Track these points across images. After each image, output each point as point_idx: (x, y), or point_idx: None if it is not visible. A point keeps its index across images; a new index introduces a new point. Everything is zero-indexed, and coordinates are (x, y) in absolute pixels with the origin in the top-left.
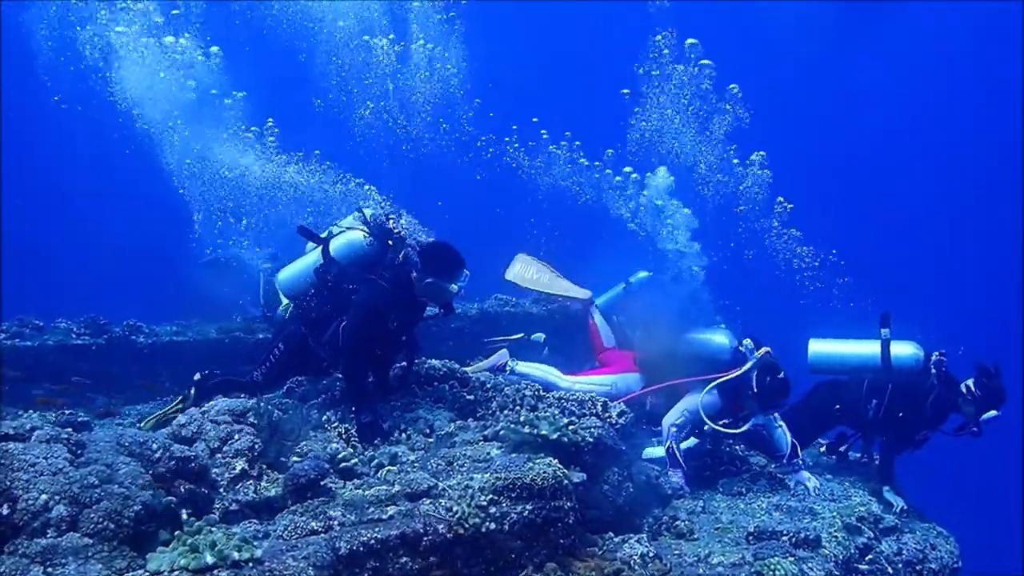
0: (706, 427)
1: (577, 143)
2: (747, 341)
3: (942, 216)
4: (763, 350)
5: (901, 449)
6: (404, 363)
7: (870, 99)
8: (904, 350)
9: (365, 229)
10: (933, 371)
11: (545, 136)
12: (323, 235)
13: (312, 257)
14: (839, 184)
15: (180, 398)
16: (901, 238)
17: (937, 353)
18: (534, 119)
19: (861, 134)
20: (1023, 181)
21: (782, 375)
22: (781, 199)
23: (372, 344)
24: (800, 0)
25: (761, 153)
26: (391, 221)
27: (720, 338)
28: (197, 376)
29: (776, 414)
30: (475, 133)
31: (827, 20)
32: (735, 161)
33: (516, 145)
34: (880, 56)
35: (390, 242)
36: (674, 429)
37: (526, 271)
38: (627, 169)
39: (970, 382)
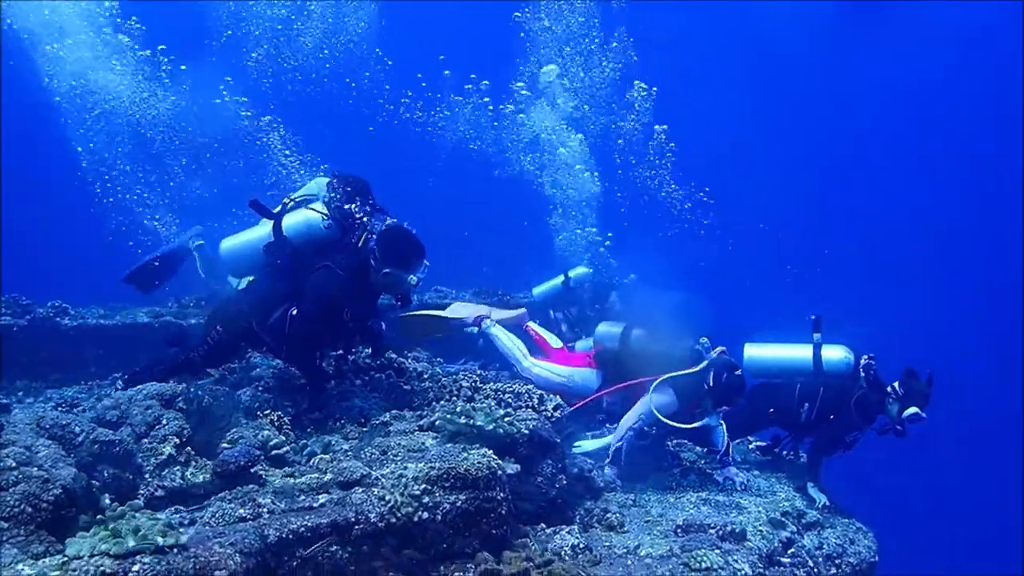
0: (653, 429)
1: (485, 83)
2: (703, 339)
3: (941, 216)
4: (719, 349)
5: (832, 451)
6: (371, 350)
7: (869, 99)
8: (835, 354)
9: (324, 211)
10: (862, 374)
11: (447, 73)
12: (276, 209)
13: (261, 231)
14: (838, 184)
15: None
16: (900, 238)
17: (866, 356)
18: (441, 58)
19: (860, 134)
20: (1023, 181)
21: (739, 373)
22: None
23: (323, 335)
24: (800, 0)
25: (642, 85)
26: (354, 205)
27: None
28: (119, 385)
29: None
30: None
31: (827, 20)
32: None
33: (410, 96)
34: (879, 56)
35: (350, 225)
36: (631, 433)
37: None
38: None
39: (896, 384)
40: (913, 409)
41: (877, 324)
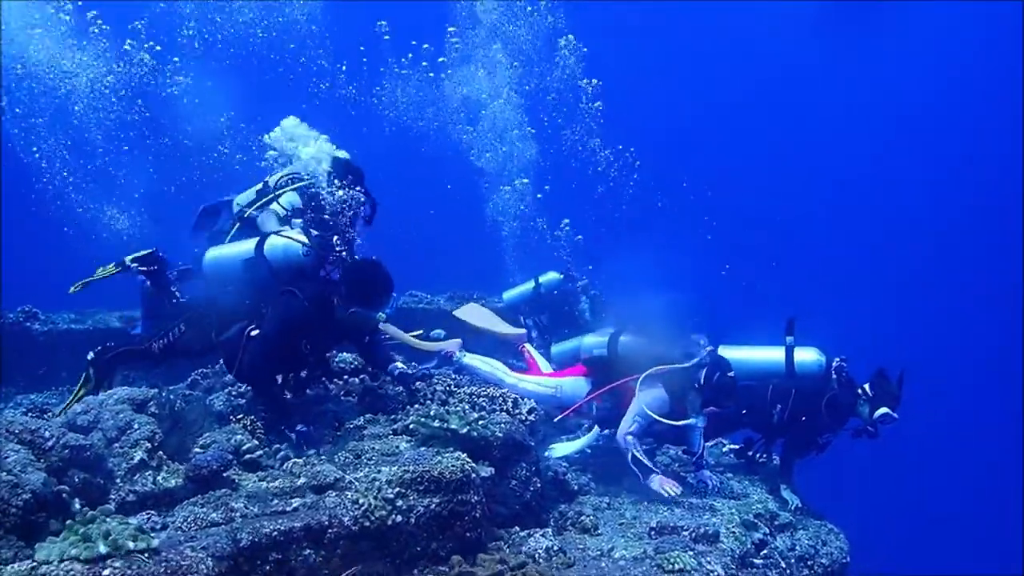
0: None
1: (427, 47)
2: (699, 337)
3: (940, 217)
4: (708, 349)
5: (804, 453)
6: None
7: (867, 99)
8: (807, 356)
9: (304, 238)
10: (834, 376)
11: (387, 38)
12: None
13: (244, 247)
14: (835, 185)
15: (81, 383)
16: (899, 239)
17: (838, 359)
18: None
19: (858, 134)
20: (1023, 181)
21: (732, 374)
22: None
23: (278, 362)
24: (796, 0)
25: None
26: (336, 237)
27: None
28: (90, 355)
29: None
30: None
31: (823, 20)
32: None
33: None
34: (876, 56)
35: (328, 258)
36: (631, 438)
37: (472, 315)
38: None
39: (866, 385)
40: (884, 410)
41: (861, 325)
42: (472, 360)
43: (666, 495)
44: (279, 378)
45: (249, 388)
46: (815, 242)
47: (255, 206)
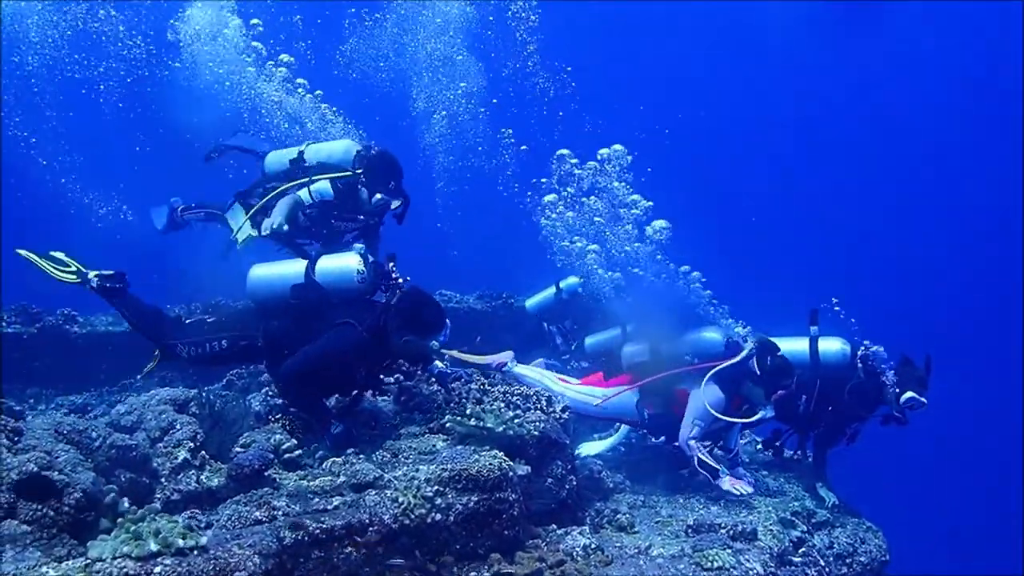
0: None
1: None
2: (739, 329)
3: (940, 218)
4: (753, 339)
5: (833, 443)
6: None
7: (866, 99)
8: (831, 346)
9: (360, 264)
10: (860, 365)
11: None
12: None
13: (293, 269)
14: (834, 185)
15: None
16: (899, 239)
17: (863, 347)
18: None
19: (857, 134)
20: (1023, 181)
21: (781, 353)
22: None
23: (327, 388)
24: (793, 0)
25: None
26: (392, 264)
27: (709, 334)
28: (100, 282)
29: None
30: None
31: (821, 20)
32: None
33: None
34: (874, 56)
35: (383, 285)
36: (693, 442)
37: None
38: None
39: (891, 372)
40: (910, 394)
41: (860, 325)
42: (522, 369)
43: (737, 494)
44: (330, 400)
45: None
46: (815, 242)
47: (284, 188)
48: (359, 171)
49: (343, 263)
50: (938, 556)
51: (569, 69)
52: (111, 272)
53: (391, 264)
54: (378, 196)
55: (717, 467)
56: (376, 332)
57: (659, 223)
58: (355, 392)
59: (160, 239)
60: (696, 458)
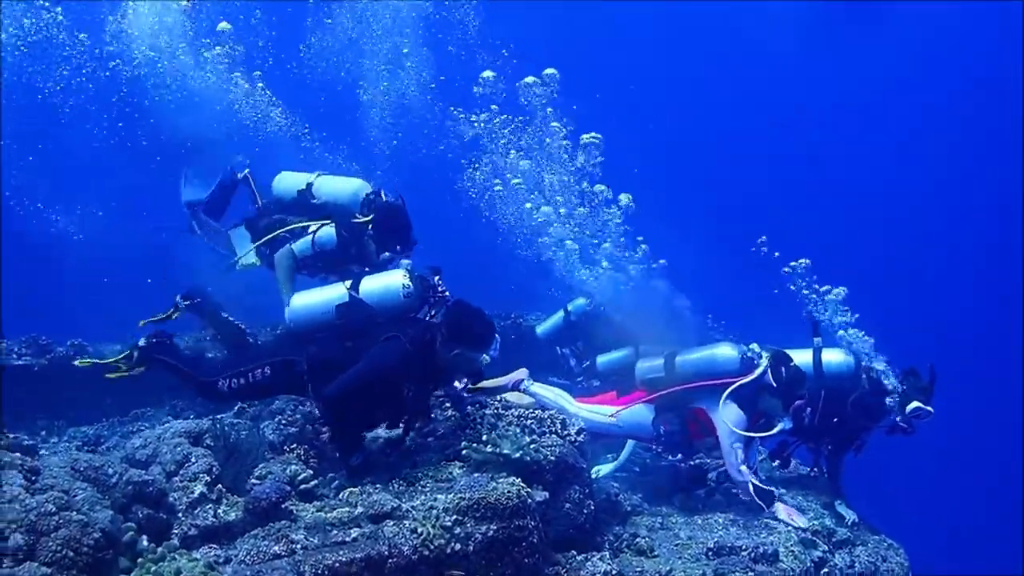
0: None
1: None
2: (753, 345)
3: (940, 218)
4: (766, 355)
5: (843, 453)
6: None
7: (865, 99)
8: (835, 357)
9: (406, 279)
10: (864, 376)
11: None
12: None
13: (335, 292)
14: (833, 185)
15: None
16: (899, 239)
17: (867, 358)
18: None
19: (857, 134)
20: (1023, 182)
21: (793, 364)
22: None
23: (372, 408)
24: (790, 0)
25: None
26: (438, 277)
27: (724, 350)
28: (143, 342)
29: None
30: None
31: (821, 20)
32: None
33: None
34: (874, 56)
35: (430, 300)
36: (744, 468)
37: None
38: None
39: (896, 382)
40: (915, 404)
41: (861, 325)
42: (539, 389)
43: (794, 525)
44: (379, 427)
45: (326, 426)
46: (814, 242)
47: (289, 228)
48: (365, 219)
49: (389, 280)
50: (938, 556)
51: (508, 55)
52: (156, 340)
53: (437, 278)
54: (385, 254)
55: (773, 491)
56: (423, 346)
57: (624, 197)
58: (405, 418)
59: (142, 244)
60: (750, 484)
